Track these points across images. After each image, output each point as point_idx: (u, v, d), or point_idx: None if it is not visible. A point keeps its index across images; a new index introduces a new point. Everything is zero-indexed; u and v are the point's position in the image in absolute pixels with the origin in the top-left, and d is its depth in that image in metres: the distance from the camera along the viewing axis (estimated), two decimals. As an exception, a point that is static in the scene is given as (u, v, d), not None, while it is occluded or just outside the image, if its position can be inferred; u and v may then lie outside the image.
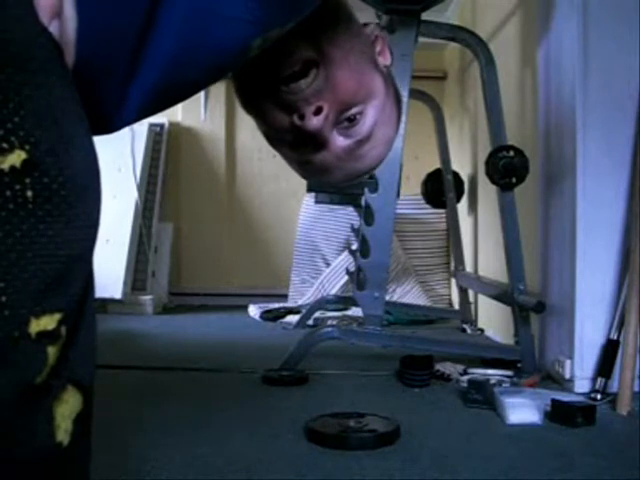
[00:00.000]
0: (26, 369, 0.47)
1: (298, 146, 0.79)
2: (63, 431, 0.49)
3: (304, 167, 0.84)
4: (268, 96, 0.77)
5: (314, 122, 0.75)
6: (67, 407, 0.49)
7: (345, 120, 0.77)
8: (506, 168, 2.02)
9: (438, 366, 1.97)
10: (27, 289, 0.46)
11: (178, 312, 3.55)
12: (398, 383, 1.89)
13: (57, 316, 0.48)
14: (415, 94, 2.71)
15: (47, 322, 0.47)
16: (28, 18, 0.50)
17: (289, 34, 0.71)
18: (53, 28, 0.52)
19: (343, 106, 0.76)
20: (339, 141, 0.78)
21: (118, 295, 3.29)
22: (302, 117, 0.75)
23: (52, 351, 0.48)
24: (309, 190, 2.52)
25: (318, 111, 0.74)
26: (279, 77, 0.74)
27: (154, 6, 0.62)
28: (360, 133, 0.78)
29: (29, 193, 0.46)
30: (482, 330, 2.81)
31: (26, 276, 0.46)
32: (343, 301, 3.16)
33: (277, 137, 0.81)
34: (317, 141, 0.77)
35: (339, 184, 0.87)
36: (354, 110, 0.77)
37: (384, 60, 0.83)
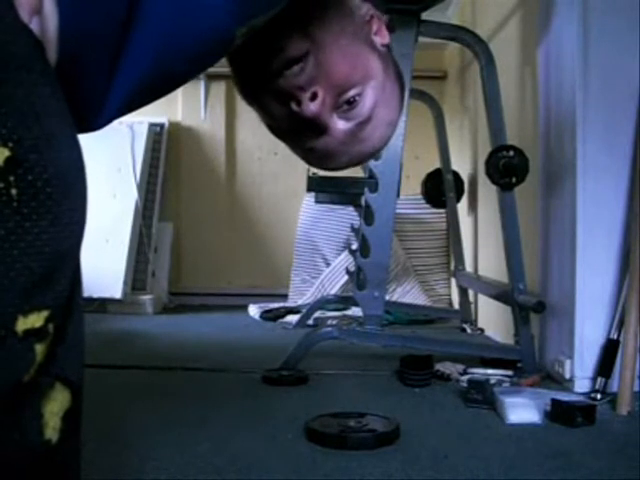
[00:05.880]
0: (14, 368, 0.46)
1: (300, 134, 0.79)
2: (51, 428, 0.49)
3: (308, 155, 0.83)
4: (265, 87, 0.77)
5: (311, 108, 0.74)
6: (55, 404, 0.49)
7: (344, 103, 0.76)
8: (506, 168, 2.01)
9: (438, 366, 1.97)
10: (14, 287, 0.46)
11: (178, 312, 3.54)
12: (398, 383, 1.89)
13: (45, 313, 0.48)
14: (415, 94, 2.71)
15: (35, 320, 0.47)
16: (8, 15, 0.49)
17: (278, 21, 0.70)
18: (34, 25, 0.52)
19: (339, 89, 0.75)
20: (340, 125, 0.77)
21: (118, 295, 3.29)
22: (299, 104, 0.75)
23: (40, 349, 0.48)
24: (309, 190, 2.51)
25: (314, 97, 0.74)
26: (272, 68, 0.74)
27: None
28: (360, 115, 0.77)
29: (13, 191, 0.46)
30: (482, 330, 2.81)
31: (12, 274, 0.46)
32: (343, 301, 3.15)
33: (279, 127, 0.81)
34: (317, 127, 0.77)
35: (345, 168, 0.86)
36: (352, 92, 0.76)
37: (382, 39, 0.81)
